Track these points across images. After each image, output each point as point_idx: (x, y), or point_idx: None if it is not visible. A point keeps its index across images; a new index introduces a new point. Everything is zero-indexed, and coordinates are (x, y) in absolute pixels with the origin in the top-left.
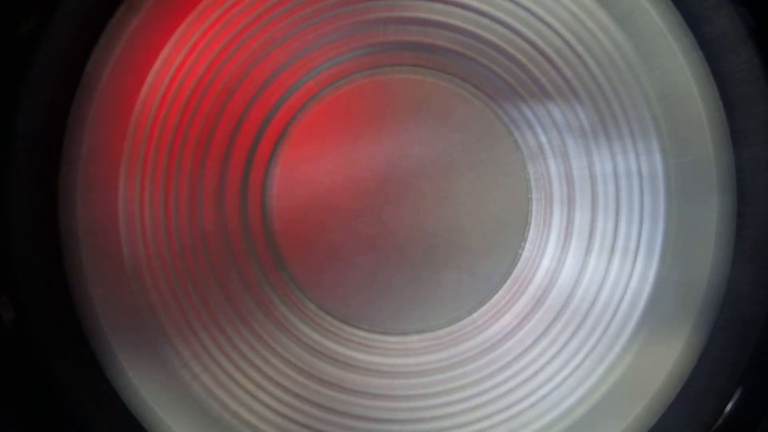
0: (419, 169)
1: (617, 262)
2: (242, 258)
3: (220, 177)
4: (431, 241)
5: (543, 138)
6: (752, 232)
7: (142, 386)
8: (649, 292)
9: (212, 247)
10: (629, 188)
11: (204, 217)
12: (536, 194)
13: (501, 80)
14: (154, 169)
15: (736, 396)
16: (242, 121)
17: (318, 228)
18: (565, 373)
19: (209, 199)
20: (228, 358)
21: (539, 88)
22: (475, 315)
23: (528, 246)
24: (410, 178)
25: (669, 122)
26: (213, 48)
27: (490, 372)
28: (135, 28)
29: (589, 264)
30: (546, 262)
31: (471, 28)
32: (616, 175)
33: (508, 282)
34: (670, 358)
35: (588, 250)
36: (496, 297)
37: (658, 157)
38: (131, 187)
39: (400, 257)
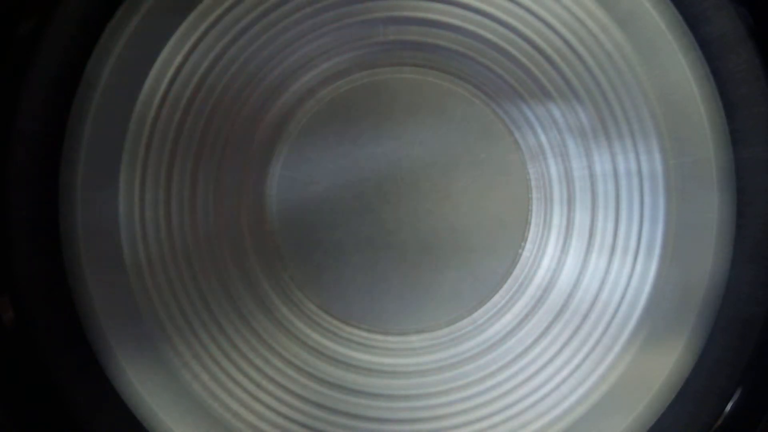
0: (419, 168)
1: (617, 261)
2: (242, 258)
3: (220, 177)
4: (431, 241)
5: (543, 138)
6: (752, 232)
7: (142, 386)
8: (649, 291)
9: (212, 247)
10: (629, 188)
11: (204, 217)
12: (536, 194)
13: (501, 80)
14: (155, 169)
15: (736, 396)
16: (241, 120)
17: (318, 228)
18: (565, 373)
19: (209, 199)
20: (228, 358)
21: (539, 88)
22: (475, 315)
23: (528, 246)
24: (410, 177)
25: (669, 122)
26: (213, 48)
27: (490, 372)
28: (135, 28)
29: (589, 264)
30: (546, 262)
31: (471, 27)
32: (616, 174)
33: (508, 282)
34: (670, 358)
35: (588, 250)
36: (496, 297)
37: (658, 157)
38: (131, 187)
39: (399, 257)
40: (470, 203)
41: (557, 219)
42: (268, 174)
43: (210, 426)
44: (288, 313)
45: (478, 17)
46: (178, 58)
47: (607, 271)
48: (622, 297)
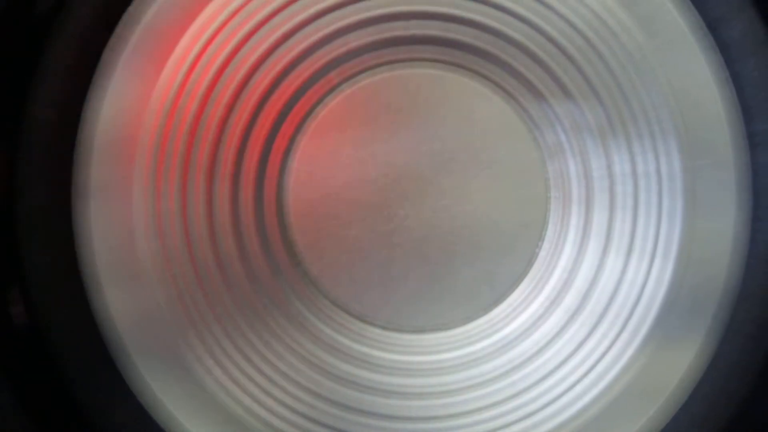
0: (438, 165)
1: (634, 262)
2: (256, 252)
3: (236, 169)
4: (448, 239)
5: (563, 137)
6: (766, 235)
7: (154, 380)
8: (664, 293)
9: (226, 240)
10: (648, 189)
11: (219, 210)
12: (555, 193)
13: (522, 78)
14: (170, 161)
15: (749, 398)
16: (259, 112)
17: (334, 223)
18: (579, 373)
19: (224, 191)
20: (241, 354)
21: (560, 87)
22: (491, 314)
23: (545, 245)
24: (429, 174)
25: (688, 124)
26: (233, 37)
27: (505, 371)
28: (152, 16)
29: (606, 264)
30: (563, 262)
31: (493, 24)
32: (635, 175)
33: (525, 281)
34: (684, 360)
35: (605, 251)
36: (513, 296)
37: (677, 159)
38: (146, 178)
39: (416, 254)
40: (488, 201)
41: (575, 219)
42: (285, 167)
43: (222, 421)
44: (302, 309)
45: (500, 14)
46: (197, 47)
47: (623, 272)
48: (638, 298)
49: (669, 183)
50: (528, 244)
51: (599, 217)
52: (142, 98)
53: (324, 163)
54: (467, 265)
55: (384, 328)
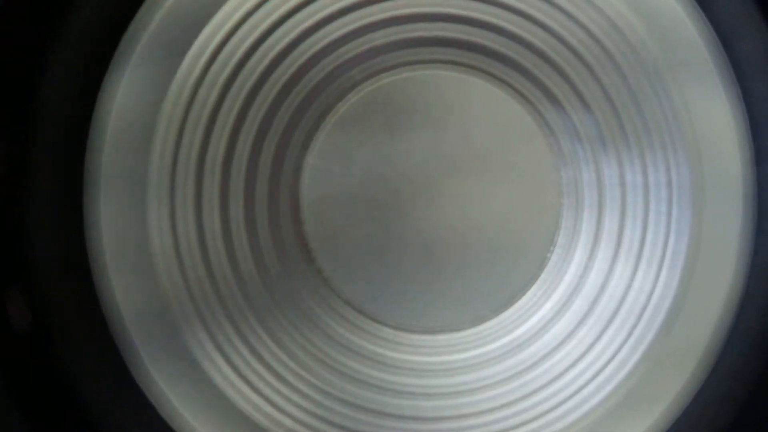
0: (454, 167)
1: (642, 270)
2: (269, 247)
3: (252, 163)
4: (461, 241)
5: (578, 145)
6: None
7: (162, 377)
8: (671, 301)
9: (239, 235)
10: (658, 199)
11: (233, 204)
12: (567, 200)
13: (541, 85)
14: (187, 152)
15: (749, 402)
16: (279, 106)
17: (348, 221)
18: (587, 376)
19: (239, 184)
20: (251, 351)
21: (578, 96)
22: (501, 316)
23: (557, 250)
24: (444, 176)
25: (699, 137)
26: (257, 29)
27: (515, 373)
28: (174, 2)
29: (616, 271)
30: (573, 268)
31: (516, 30)
32: (646, 185)
33: (536, 285)
34: (687, 366)
35: (615, 257)
36: (524, 299)
37: (687, 171)
38: (161, 171)
39: (429, 255)
40: (502, 205)
41: (587, 225)
42: (301, 163)
43: (230, 419)
44: (314, 306)
45: (523, 21)
46: (218, 38)
47: (632, 279)
48: (645, 305)
49: (679, 194)
50: (540, 249)
51: (610, 225)
52: (161, 87)
53: (341, 160)
54: (479, 268)
55: (396, 328)
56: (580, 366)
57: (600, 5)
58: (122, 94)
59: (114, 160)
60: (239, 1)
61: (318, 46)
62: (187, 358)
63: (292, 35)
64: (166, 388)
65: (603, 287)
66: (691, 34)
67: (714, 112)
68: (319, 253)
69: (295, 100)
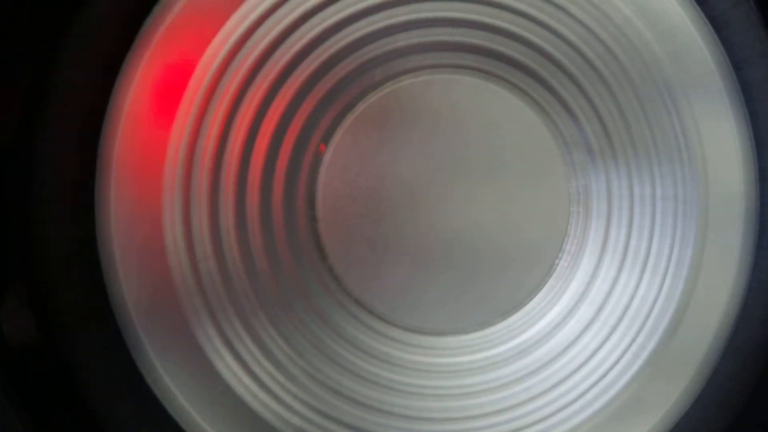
0: (469, 172)
1: (647, 279)
2: (282, 244)
3: (270, 159)
4: (473, 245)
5: (589, 156)
6: None
7: (168, 371)
8: (673, 310)
9: (253, 230)
10: (664, 211)
11: (248, 198)
12: (576, 209)
13: (558, 96)
14: (204, 146)
15: (745, 410)
16: (300, 102)
17: (363, 220)
18: (591, 381)
19: (256, 179)
20: (261, 348)
21: (593, 109)
22: (509, 320)
23: (565, 257)
24: (459, 180)
25: (707, 155)
26: (280, 23)
27: (521, 375)
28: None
29: (621, 279)
30: (581, 275)
31: (536, 40)
32: (653, 197)
33: (543, 290)
34: (687, 372)
35: (621, 266)
36: (531, 304)
37: (693, 186)
38: (176, 162)
39: (440, 258)
40: (514, 212)
41: (594, 234)
42: (319, 160)
43: (238, 416)
44: (325, 305)
45: (544, 32)
46: (241, 29)
47: (636, 288)
48: (649, 313)
49: (684, 208)
50: (549, 255)
51: (617, 235)
52: (181, 77)
53: (358, 159)
54: (489, 272)
55: (405, 328)
56: (584, 370)
57: (619, 22)
58: (140, 79)
59: (128, 150)
60: None
61: (340, 45)
62: (195, 353)
63: (315, 32)
64: (174, 384)
65: (608, 294)
66: (704, 57)
67: (721, 131)
68: (332, 251)
69: (316, 98)
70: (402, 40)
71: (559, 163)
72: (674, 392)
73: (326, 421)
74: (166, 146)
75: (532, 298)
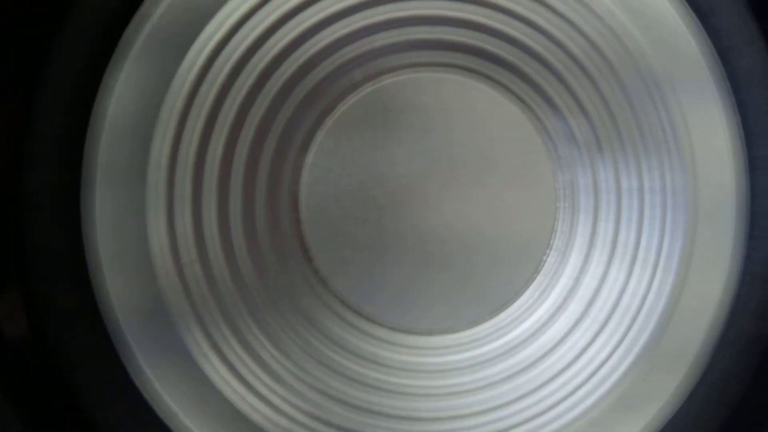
0: (453, 170)
1: (637, 273)
2: (267, 246)
3: (252, 160)
4: (458, 243)
5: (575, 151)
6: (762, 254)
7: (156, 374)
8: (664, 304)
9: (237, 234)
10: (653, 204)
11: (232, 201)
12: (563, 204)
13: (541, 91)
14: (186, 151)
15: (739, 405)
16: (281, 104)
17: (347, 221)
18: (581, 378)
19: (238, 182)
20: (248, 350)
21: (577, 103)
22: (497, 318)
23: (552, 253)
24: (443, 178)
25: (695, 145)
26: (260, 25)
27: (510, 374)
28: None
29: (610, 274)
30: (569, 270)
31: (518, 36)
32: (641, 190)
33: (532, 287)
34: (680, 368)
35: (610, 261)
36: (519, 301)
37: (682, 177)
38: (159, 168)
39: (426, 257)
40: (499, 208)
41: (582, 229)
42: (302, 161)
43: (226, 418)
44: (310, 306)
45: (525, 27)
46: (223, 32)
47: (626, 282)
48: (640, 308)
49: (673, 200)
50: (536, 252)
51: (605, 229)
52: (161, 83)
53: (341, 160)
54: (475, 270)
55: (392, 328)
56: (575, 368)
57: (602, 14)
58: (122, 89)
59: (112, 155)
60: None
61: (319, 46)
62: (183, 357)
63: (294, 34)
64: (162, 387)
65: (598, 290)
66: (689, 45)
67: (709, 121)
68: (317, 252)
69: (296, 100)
70: (380, 40)
71: (545, 158)
72: (667, 389)
73: (314, 422)
74: (148, 151)
75: (520, 296)
